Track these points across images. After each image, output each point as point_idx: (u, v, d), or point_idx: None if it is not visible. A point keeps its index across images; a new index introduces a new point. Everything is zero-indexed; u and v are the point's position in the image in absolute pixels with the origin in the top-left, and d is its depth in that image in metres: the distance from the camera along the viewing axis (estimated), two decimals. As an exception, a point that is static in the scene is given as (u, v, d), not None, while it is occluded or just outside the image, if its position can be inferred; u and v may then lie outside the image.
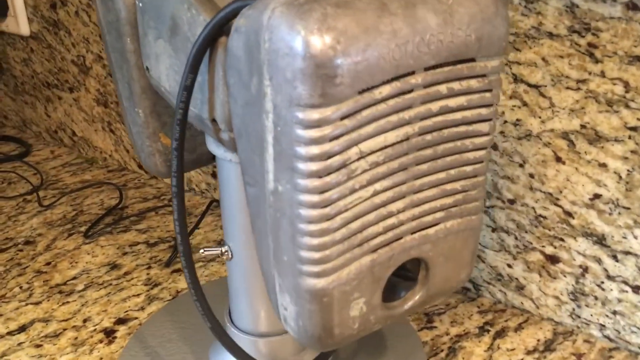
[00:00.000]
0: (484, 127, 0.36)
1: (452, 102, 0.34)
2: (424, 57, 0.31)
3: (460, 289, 0.69)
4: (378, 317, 0.38)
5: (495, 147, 0.61)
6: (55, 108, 0.96)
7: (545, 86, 0.56)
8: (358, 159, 0.32)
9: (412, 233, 0.37)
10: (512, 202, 0.62)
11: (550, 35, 0.54)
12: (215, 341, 0.57)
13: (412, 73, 0.31)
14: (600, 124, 0.54)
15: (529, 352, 0.60)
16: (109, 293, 0.68)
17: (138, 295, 0.68)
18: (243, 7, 0.33)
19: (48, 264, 0.73)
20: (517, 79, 0.57)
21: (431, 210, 0.37)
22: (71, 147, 0.98)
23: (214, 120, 0.39)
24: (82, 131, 0.94)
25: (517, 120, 0.58)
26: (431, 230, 0.37)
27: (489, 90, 0.35)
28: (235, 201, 0.47)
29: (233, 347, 0.48)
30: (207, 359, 0.57)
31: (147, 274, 0.71)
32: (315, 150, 0.31)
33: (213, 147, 0.46)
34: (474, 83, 0.34)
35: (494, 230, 0.64)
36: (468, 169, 0.37)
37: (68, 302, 0.67)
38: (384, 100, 0.31)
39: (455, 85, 0.33)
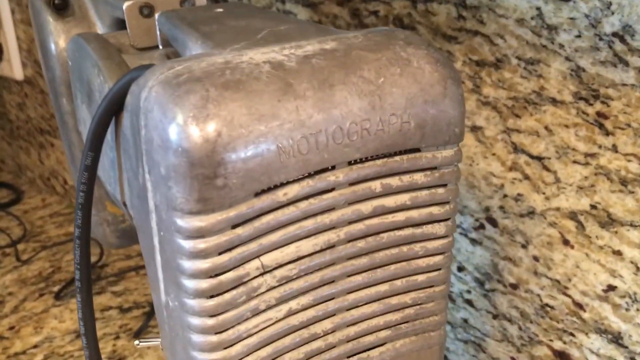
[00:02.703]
0: (438, 228, 0.28)
1: (391, 202, 0.27)
2: (344, 150, 0.24)
3: (458, 379, 0.60)
4: None
5: (495, 223, 0.53)
6: (48, 155, 0.92)
7: (550, 158, 0.48)
8: (261, 274, 0.25)
9: (348, 357, 0.29)
10: (514, 286, 0.54)
11: (554, 101, 0.46)
12: None
13: (332, 168, 0.25)
14: (614, 205, 0.46)
15: None
16: (68, 366, 0.62)
17: (99, 370, 0.62)
18: (136, 78, 0.27)
19: (12, 328, 0.68)
20: (517, 149, 0.49)
21: (372, 330, 0.29)
22: (63, 195, 0.94)
23: (125, 205, 0.33)
24: (73, 179, 0.90)
25: (519, 195, 0.51)
26: (375, 352, 0.30)
27: (443, 186, 0.28)
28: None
29: None
30: None
31: (114, 345, 0.65)
32: (201, 264, 0.24)
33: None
34: (419, 177, 0.27)
35: (495, 317, 0.56)
36: (420, 278, 0.29)
37: (23, 375, 0.61)
38: (291, 202, 0.24)
39: (393, 182, 0.26)
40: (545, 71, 0.46)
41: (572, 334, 0.52)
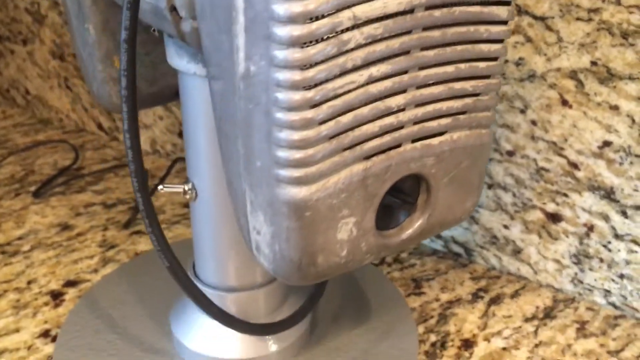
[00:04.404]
0: (501, 11, 0.29)
1: (467, -30, 0.27)
2: None
3: (451, 254, 0.63)
4: (370, 245, 0.31)
5: (493, 91, 0.55)
6: (7, 64, 0.88)
7: (553, 18, 0.50)
8: (352, 28, 0.25)
9: (413, 141, 0.30)
10: (511, 154, 0.56)
11: (560, -43, 0.48)
12: (177, 302, 0.50)
13: None
14: (614, 59, 0.49)
15: (527, 320, 0.54)
16: (59, 254, 0.60)
17: (91, 257, 0.60)
18: None
19: (-9, 223, 0.65)
20: (521, 11, 0.51)
21: (436, 114, 0.30)
22: (24, 107, 0.90)
23: (173, 9, 0.32)
24: (36, 89, 0.86)
25: (520, 59, 0.52)
26: (435, 141, 0.31)
27: (510, -37, 0.28)
28: (200, 126, 0.41)
29: (202, 301, 0.41)
30: (166, 322, 0.50)
31: (103, 235, 0.64)
32: (296, 7, 0.24)
33: (175, 59, 0.39)
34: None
35: (490, 187, 0.58)
36: (481, 65, 0.30)
37: (11, 262, 0.59)
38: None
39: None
40: None
41: (565, 195, 0.54)
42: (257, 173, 0.29)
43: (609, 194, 0.52)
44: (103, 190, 0.72)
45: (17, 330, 0.51)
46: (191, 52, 0.38)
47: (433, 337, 0.52)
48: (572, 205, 0.54)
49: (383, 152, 0.29)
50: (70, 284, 0.57)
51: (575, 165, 0.53)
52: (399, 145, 0.30)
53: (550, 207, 0.56)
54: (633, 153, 0.50)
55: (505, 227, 0.59)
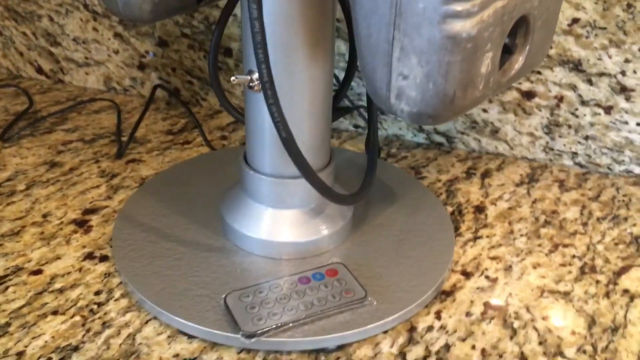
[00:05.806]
0: None
1: None
2: None
3: (434, 144, 0.69)
4: (494, 81, 0.36)
5: None
6: None
7: None
8: None
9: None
10: (487, 42, 0.62)
11: None
12: (231, 200, 0.51)
13: None
14: (581, -57, 0.56)
15: (517, 185, 0.62)
16: (61, 189, 0.58)
17: (97, 187, 0.59)
18: None
19: (-32, 170, 0.60)
20: None
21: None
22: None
23: None
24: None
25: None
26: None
27: None
28: (271, 13, 0.42)
29: (309, 172, 0.42)
30: (213, 225, 0.51)
31: (98, 167, 0.62)
32: None
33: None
34: None
35: (468, 75, 0.64)
36: None
37: (13, 202, 0.56)
38: None
39: None
40: None
41: (538, 72, 0.62)
42: (418, 15, 0.32)
43: (576, 66, 0.61)
44: (74, 128, 0.68)
45: (58, 258, 0.49)
46: None
47: (450, 208, 0.58)
48: (545, 81, 0.62)
49: (512, -10, 0.34)
50: (89, 211, 0.55)
51: (547, 44, 0.61)
52: (519, -14, 0.34)
53: (525, 86, 0.63)
54: (597, 26, 0.59)
55: (484, 110, 0.66)
